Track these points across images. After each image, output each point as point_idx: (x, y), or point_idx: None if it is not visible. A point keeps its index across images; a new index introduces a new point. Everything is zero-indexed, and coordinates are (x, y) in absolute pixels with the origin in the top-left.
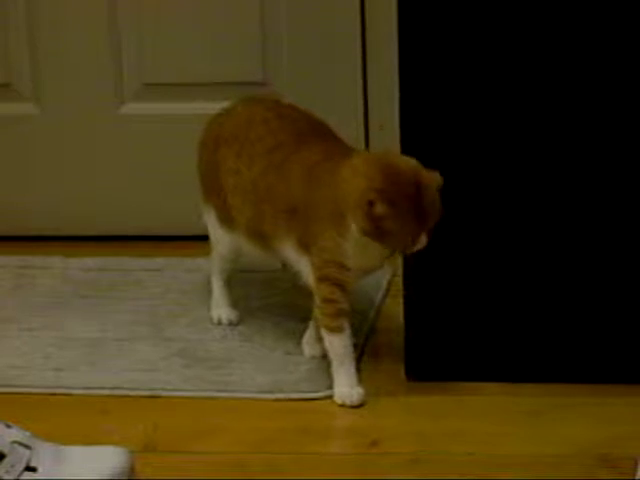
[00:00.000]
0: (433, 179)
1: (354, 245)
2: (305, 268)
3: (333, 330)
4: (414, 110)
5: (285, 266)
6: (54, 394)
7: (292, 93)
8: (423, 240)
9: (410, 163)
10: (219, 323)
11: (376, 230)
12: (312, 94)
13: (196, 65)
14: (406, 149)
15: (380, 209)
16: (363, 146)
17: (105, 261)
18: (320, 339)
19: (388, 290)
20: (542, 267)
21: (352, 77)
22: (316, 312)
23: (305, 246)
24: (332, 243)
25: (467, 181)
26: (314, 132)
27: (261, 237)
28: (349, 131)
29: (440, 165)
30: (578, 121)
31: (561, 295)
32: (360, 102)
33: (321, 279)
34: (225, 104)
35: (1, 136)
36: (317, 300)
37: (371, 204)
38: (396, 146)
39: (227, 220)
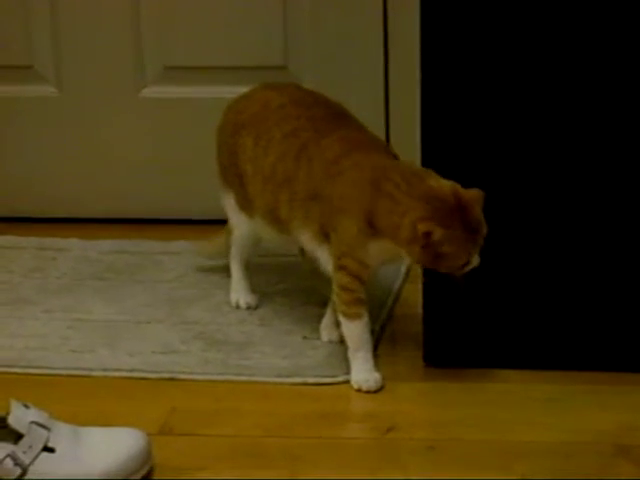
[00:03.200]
0: (474, 196)
1: (380, 247)
2: (323, 256)
3: (350, 317)
4: (435, 94)
5: (303, 251)
6: (72, 376)
7: (313, 77)
8: (476, 259)
9: (446, 185)
10: (237, 307)
11: (434, 258)
12: (333, 78)
13: (217, 48)
14: (426, 134)
15: (438, 235)
16: (383, 129)
17: (124, 244)
18: (338, 324)
19: (407, 276)
20: (559, 255)
21: (373, 62)
22: (334, 298)
23: (325, 235)
24: (356, 242)
25: (486, 169)
26: (332, 117)
27: (279, 223)
28: (369, 114)
29: (458, 156)
30: (592, 119)
31: (579, 283)
32: (381, 86)
33: (339, 268)
34: (246, 88)
35: (22, 118)
36: (335, 287)
37: (428, 235)
38: (416, 132)
39: (246, 205)
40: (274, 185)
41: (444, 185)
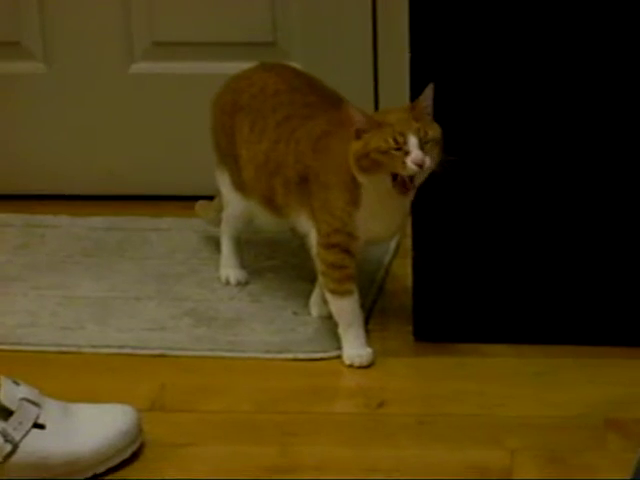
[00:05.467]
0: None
1: (366, 214)
2: (313, 236)
3: (341, 294)
4: (424, 69)
5: (294, 228)
6: (62, 352)
7: (302, 54)
8: (418, 155)
9: None
10: (227, 283)
11: (364, 149)
12: (322, 54)
13: (206, 24)
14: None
15: (357, 120)
16: (372, 105)
17: (113, 220)
18: (327, 300)
19: (396, 251)
20: (549, 230)
21: (362, 38)
22: (320, 278)
23: (315, 213)
24: (343, 213)
25: (477, 146)
26: (323, 104)
27: (275, 208)
28: (358, 91)
29: (448, 131)
30: (585, 103)
31: (569, 257)
32: (370, 62)
33: (328, 246)
34: (234, 64)
35: (10, 94)
36: (321, 266)
37: (350, 117)
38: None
39: (241, 186)
40: (267, 173)
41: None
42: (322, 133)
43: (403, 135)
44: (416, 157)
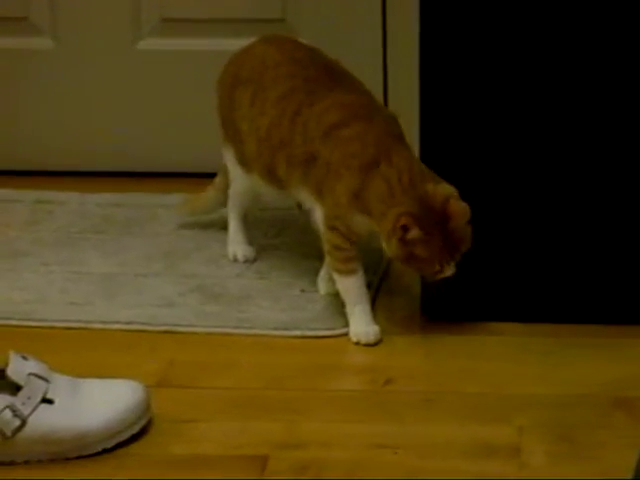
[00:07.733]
0: (462, 211)
1: (366, 221)
2: (319, 212)
3: (346, 273)
4: (433, 47)
5: (300, 205)
6: (70, 328)
7: (311, 30)
8: (450, 270)
9: (441, 194)
10: (235, 260)
11: (407, 257)
12: (331, 31)
13: (215, 1)
14: (424, 87)
15: (413, 234)
16: (381, 83)
17: (121, 197)
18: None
19: None
20: (558, 207)
21: (371, 15)
22: (326, 257)
23: (320, 193)
24: (345, 211)
25: (484, 128)
26: (327, 78)
27: (278, 181)
28: (367, 68)
29: (457, 111)
30: (589, 102)
31: (576, 236)
32: (379, 39)
33: (331, 228)
34: (243, 41)
35: (18, 70)
36: (326, 245)
37: (404, 228)
38: (414, 86)
39: (244, 161)
40: (270, 147)
41: (439, 193)
42: (336, 123)
43: (444, 266)
44: (447, 275)
